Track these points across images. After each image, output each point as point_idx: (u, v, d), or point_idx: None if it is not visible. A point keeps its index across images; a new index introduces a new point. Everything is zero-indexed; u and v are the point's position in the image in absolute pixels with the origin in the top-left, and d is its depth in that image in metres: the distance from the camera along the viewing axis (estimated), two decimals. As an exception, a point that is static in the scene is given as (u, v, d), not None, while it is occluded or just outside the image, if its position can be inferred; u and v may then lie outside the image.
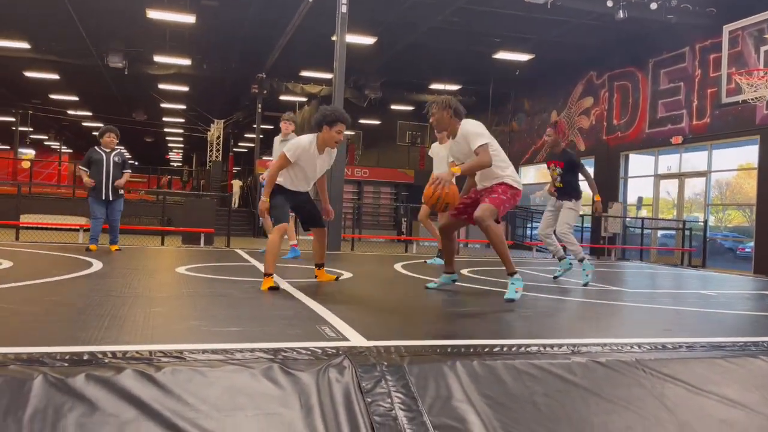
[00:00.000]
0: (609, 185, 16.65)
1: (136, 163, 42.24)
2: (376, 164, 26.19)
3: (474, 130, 4.51)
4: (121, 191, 7.97)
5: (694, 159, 15.42)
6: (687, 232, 14.55)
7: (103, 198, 7.82)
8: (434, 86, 22.13)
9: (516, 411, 2.37)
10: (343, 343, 2.73)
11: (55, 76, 22.28)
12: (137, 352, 2.36)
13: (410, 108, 24.60)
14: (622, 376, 2.63)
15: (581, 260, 6.16)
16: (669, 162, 16.12)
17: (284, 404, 2.17)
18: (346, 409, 2.20)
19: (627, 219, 16.76)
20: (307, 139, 4.74)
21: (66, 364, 2.15)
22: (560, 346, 2.86)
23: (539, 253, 13.54)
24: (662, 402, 2.56)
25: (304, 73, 20.89)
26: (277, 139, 8.02)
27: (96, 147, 7.96)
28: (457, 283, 5.21)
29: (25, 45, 18.41)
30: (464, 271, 6.97)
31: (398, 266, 7.64)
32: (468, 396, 2.38)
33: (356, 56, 15.59)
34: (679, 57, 15.21)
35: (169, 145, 42.20)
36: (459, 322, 3.74)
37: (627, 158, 17.17)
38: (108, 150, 7.88)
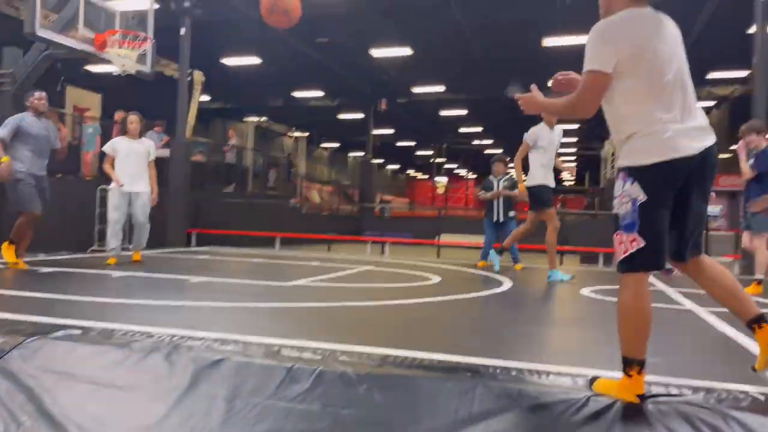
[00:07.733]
0: None
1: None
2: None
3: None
4: (512, 213, 8.67)
5: None
6: None
7: (494, 220, 8.67)
8: None
9: None
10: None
11: (464, 112, 25.27)
12: (560, 373, 2.45)
13: None
14: None
15: None
16: None
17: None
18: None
19: None
20: None
21: (502, 376, 2.39)
22: None
23: None
24: None
25: (711, 75, 18.71)
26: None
27: (490, 176, 8.93)
28: None
29: (441, 88, 21.50)
30: None
31: None
32: None
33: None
34: None
35: (564, 164, 43.16)
36: None
37: None
38: (498, 178, 8.72)
